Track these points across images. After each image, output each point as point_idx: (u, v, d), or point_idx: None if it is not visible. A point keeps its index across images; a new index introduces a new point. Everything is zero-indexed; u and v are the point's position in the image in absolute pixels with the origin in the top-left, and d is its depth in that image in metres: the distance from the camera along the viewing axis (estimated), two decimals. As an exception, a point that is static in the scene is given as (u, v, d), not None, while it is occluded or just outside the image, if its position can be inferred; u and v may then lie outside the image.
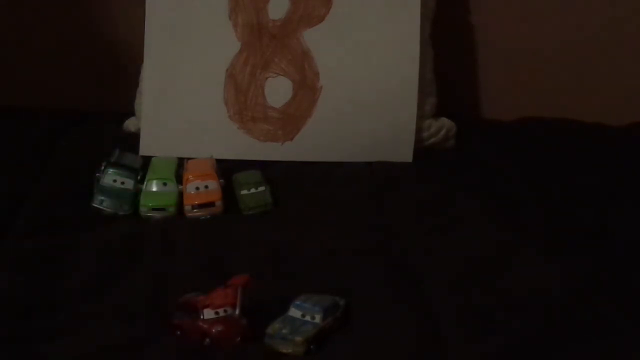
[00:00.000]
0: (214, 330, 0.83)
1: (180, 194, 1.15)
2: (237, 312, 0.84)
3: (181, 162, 1.22)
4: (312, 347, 0.81)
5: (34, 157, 1.28)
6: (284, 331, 0.82)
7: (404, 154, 1.32)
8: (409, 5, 1.33)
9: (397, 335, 0.85)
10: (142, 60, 1.35)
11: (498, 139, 1.43)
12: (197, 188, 1.15)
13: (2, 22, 1.53)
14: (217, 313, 0.84)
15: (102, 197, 1.14)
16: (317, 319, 0.83)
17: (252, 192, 1.16)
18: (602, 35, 1.53)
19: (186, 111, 1.33)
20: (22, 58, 1.54)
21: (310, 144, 1.32)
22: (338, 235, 1.08)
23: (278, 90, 1.33)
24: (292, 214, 1.15)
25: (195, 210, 1.14)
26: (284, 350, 0.81)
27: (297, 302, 0.85)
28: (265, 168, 1.25)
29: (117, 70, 1.48)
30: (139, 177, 1.18)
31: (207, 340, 0.83)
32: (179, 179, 1.18)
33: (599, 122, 1.48)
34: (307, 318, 0.84)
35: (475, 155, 1.36)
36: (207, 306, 0.84)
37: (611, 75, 1.55)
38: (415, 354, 0.83)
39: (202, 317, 0.84)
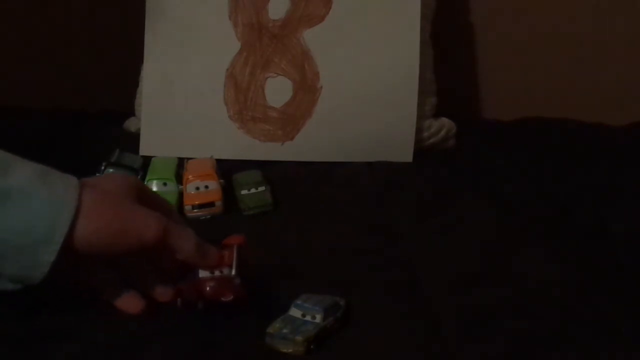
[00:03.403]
0: (207, 288, 0.83)
1: (180, 194, 1.16)
2: (233, 272, 0.84)
3: (181, 162, 1.23)
4: (312, 346, 0.81)
5: (33, 157, 1.27)
6: (284, 331, 0.82)
7: (404, 154, 1.32)
8: (409, 5, 1.33)
9: (397, 335, 0.85)
10: (142, 60, 1.36)
11: (498, 139, 1.43)
12: (197, 188, 1.15)
13: (1, 22, 1.53)
14: (212, 272, 0.84)
15: (102, 197, 1.14)
16: (318, 318, 0.83)
17: (252, 192, 1.16)
18: (603, 35, 1.54)
19: (186, 111, 1.33)
20: (22, 58, 1.55)
21: (310, 144, 1.32)
22: (338, 235, 1.08)
23: (278, 90, 1.33)
24: (292, 214, 1.15)
25: (195, 210, 1.14)
26: (285, 350, 0.81)
27: (298, 302, 0.85)
28: (265, 168, 1.25)
29: (117, 70, 1.48)
30: (139, 177, 1.18)
31: (200, 303, 0.83)
32: (179, 179, 1.18)
33: (599, 122, 1.48)
34: (308, 318, 0.84)
35: (475, 155, 1.36)
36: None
37: (611, 75, 1.55)
38: (415, 354, 0.83)
39: (197, 276, 0.84)
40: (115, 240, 0.78)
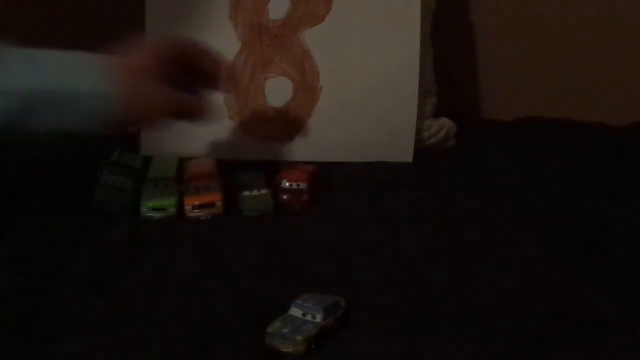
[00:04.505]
0: (284, 197, 1.15)
1: (180, 194, 1.15)
2: (304, 186, 1.16)
3: (181, 162, 1.22)
4: (312, 346, 0.82)
5: (33, 157, 1.27)
6: (284, 330, 0.82)
7: (404, 154, 1.32)
8: (409, 5, 1.33)
9: (397, 335, 0.85)
10: (142, 60, 1.35)
11: (498, 139, 1.43)
12: (197, 188, 1.15)
13: (2, 23, 1.53)
14: (290, 185, 1.16)
15: (102, 197, 1.14)
16: (318, 318, 0.83)
17: (254, 194, 1.16)
18: (603, 35, 1.54)
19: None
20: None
21: (310, 144, 1.32)
22: (338, 236, 1.08)
23: (278, 90, 1.33)
24: (292, 214, 1.15)
25: (195, 211, 1.14)
26: (285, 350, 0.81)
27: (298, 302, 0.85)
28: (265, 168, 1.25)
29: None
30: (139, 177, 1.18)
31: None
32: (179, 179, 1.18)
33: (599, 122, 1.48)
34: (308, 317, 0.84)
35: (475, 155, 1.36)
36: (284, 178, 1.17)
37: (611, 75, 1.55)
38: (415, 354, 0.83)
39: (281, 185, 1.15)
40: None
